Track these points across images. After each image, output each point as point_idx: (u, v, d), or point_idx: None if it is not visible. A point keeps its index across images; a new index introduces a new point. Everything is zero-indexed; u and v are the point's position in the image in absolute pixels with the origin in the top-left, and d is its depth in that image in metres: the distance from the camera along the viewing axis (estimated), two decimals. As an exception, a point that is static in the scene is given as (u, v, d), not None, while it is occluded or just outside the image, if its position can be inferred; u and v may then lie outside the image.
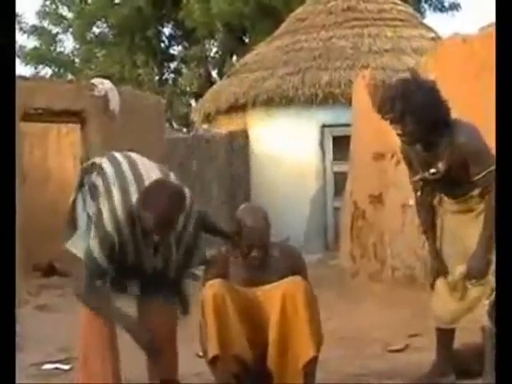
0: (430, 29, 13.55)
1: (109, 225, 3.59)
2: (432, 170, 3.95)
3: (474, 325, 4.01)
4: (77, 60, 22.84)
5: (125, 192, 3.64)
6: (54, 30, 22.36)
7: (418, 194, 4.14)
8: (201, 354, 3.93)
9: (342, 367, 4.72)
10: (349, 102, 9.29)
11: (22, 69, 21.67)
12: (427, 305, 4.31)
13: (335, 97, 11.65)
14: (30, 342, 5.52)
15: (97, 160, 3.92)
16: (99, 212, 3.63)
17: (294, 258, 4.07)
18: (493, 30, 5.21)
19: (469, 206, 3.99)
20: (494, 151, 3.58)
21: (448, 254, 4.10)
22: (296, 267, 3.99)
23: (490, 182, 3.75)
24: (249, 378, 3.83)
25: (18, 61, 20.78)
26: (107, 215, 3.60)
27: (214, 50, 21.71)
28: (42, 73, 21.90)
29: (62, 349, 5.45)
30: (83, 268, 3.65)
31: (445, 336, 4.18)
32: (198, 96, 18.82)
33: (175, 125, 21.78)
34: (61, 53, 22.62)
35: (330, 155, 12.06)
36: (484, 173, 3.81)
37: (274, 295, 3.81)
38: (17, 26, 20.65)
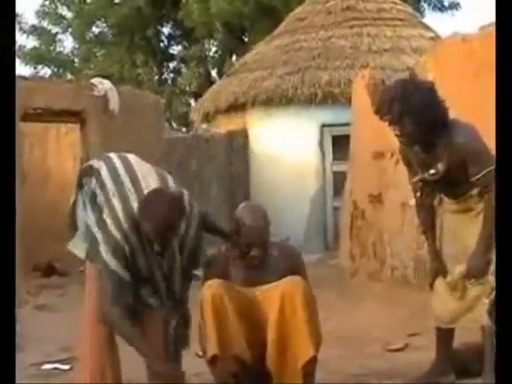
0: (429, 28, 13.55)
1: (117, 234, 3.57)
2: (431, 171, 3.95)
3: (474, 324, 4.01)
4: (76, 60, 22.85)
5: (125, 202, 3.62)
6: (54, 29, 22.37)
7: (418, 194, 4.14)
8: (200, 353, 3.94)
9: (341, 367, 4.72)
10: (348, 102, 9.29)
11: (21, 69, 21.70)
12: (427, 304, 4.32)
13: (335, 96, 11.64)
14: (29, 342, 5.52)
15: (95, 164, 3.89)
16: (104, 223, 3.60)
17: (294, 258, 4.07)
18: (492, 29, 5.21)
19: (468, 205, 3.99)
20: (493, 151, 3.58)
21: (447, 254, 4.10)
22: (295, 267, 3.98)
23: (489, 181, 3.75)
24: (248, 378, 3.83)
25: (17, 61, 20.78)
26: (112, 226, 3.57)
27: (214, 49, 21.73)
28: (42, 73, 21.92)
29: (61, 349, 5.45)
30: (105, 286, 3.60)
31: (444, 335, 4.18)
32: (197, 95, 18.82)
33: (175, 124, 21.79)
34: (60, 52, 22.63)
35: (329, 155, 12.06)
36: (483, 172, 3.81)
37: (272, 295, 3.80)
38: (16, 26, 20.65)
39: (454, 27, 22.23)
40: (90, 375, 3.78)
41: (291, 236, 9.51)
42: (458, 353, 4.27)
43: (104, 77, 11.14)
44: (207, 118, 13.53)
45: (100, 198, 3.69)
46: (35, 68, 21.94)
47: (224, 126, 12.72)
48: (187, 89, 21.17)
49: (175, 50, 22.64)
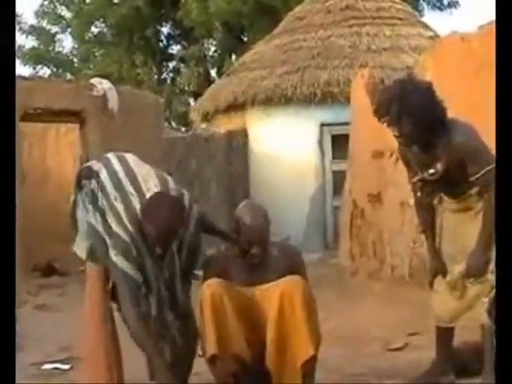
0: (428, 27, 13.55)
1: (125, 237, 3.58)
2: (430, 171, 3.95)
3: (474, 323, 4.01)
4: (75, 60, 22.88)
5: (128, 206, 3.63)
6: (53, 29, 22.40)
7: (418, 194, 4.14)
8: (200, 353, 3.94)
9: (341, 366, 4.72)
10: (347, 101, 9.30)
11: (20, 69, 21.72)
12: (426, 303, 4.32)
13: (334, 96, 11.64)
14: (29, 342, 5.52)
15: (94, 166, 3.89)
16: (109, 227, 3.62)
17: (293, 257, 4.06)
18: (491, 27, 5.21)
19: (467, 204, 3.99)
20: (493, 150, 3.58)
21: (447, 253, 4.10)
22: (295, 266, 3.98)
23: (488, 180, 3.75)
24: (247, 377, 3.83)
25: (16, 61, 20.78)
26: (119, 230, 3.59)
27: (213, 49, 21.74)
28: (41, 72, 21.95)
29: (61, 348, 5.45)
30: (122, 292, 3.62)
31: (444, 334, 4.18)
32: (196, 95, 18.83)
33: (174, 124, 21.80)
34: (59, 52, 22.65)
35: (329, 154, 12.06)
36: (482, 172, 3.81)
37: (272, 294, 3.80)
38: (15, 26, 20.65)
39: (453, 26, 22.23)
40: (93, 375, 3.78)
41: (291, 235, 9.51)
42: (457, 352, 4.28)
43: (103, 77, 11.16)
44: (207, 117, 13.53)
45: (102, 202, 3.70)
46: (34, 68, 22.00)
47: (223, 125, 12.72)
48: (186, 88, 21.19)
49: (174, 49, 22.70)
